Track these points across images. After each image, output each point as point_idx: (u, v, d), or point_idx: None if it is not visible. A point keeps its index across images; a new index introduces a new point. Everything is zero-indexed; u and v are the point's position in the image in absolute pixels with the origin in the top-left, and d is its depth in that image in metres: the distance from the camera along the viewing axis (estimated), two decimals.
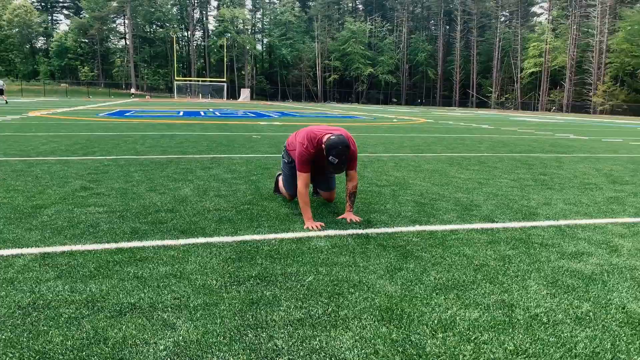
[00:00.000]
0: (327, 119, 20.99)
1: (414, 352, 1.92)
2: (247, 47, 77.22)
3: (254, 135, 11.51)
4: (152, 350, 1.91)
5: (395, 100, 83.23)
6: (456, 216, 4.07)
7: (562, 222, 3.95)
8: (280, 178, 4.53)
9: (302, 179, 3.73)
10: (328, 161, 3.57)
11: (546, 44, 67.03)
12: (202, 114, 21.93)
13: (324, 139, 3.68)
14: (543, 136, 14.11)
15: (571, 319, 2.24)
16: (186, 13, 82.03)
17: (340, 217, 3.87)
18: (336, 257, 3.00)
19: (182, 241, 3.25)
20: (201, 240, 3.28)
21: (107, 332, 2.04)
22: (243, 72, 79.81)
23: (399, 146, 9.74)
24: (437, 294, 2.48)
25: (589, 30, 63.05)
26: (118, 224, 3.62)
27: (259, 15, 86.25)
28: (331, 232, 3.50)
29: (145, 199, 4.42)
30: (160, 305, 2.29)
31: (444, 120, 23.46)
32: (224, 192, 4.80)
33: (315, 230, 3.51)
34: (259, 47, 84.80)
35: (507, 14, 79.31)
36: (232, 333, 2.05)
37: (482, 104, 75.97)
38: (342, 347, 1.96)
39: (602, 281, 2.71)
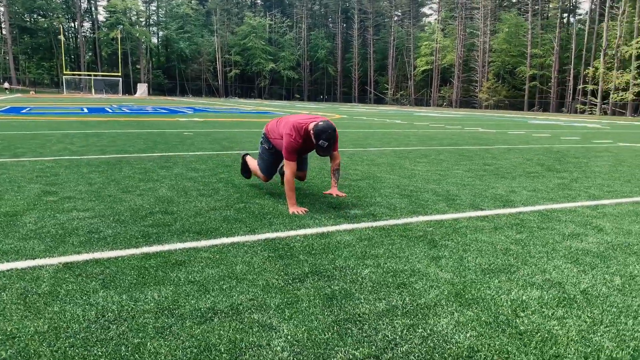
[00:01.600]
0: (242, 115, 20.74)
1: (513, 332, 2.07)
2: (142, 40, 73.60)
3: (185, 132, 11.11)
4: (270, 352, 1.87)
5: (298, 96, 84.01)
6: (446, 206, 4.32)
7: (539, 208, 4.35)
8: (250, 160, 4.76)
9: (290, 167, 3.97)
10: (318, 145, 3.87)
11: (436, 44, 71.36)
12: (110, 110, 20.64)
13: (310, 127, 3.96)
14: (457, 130, 15.12)
15: (615, 290, 2.52)
16: (72, 2, 76.17)
17: (326, 192, 4.16)
18: (371, 249, 3.08)
19: (205, 242, 3.13)
20: (226, 240, 3.18)
21: (209, 338, 1.96)
22: (138, 66, 75.96)
23: (339, 141, 9.94)
24: (489, 278, 2.65)
25: (474, 31, 68.15)
26: (120, 228, 3.39)
27: (153, 7, 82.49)
28: (348, 227, 3.56)
29: (127, 202, 4.16)
30: (242, 308, 2.23)
31: (357, 116, 24.17)
32: (205, 192, 4.65)
33: (300, 215, 3.83)
34: (154, 40, 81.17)
35: (400, 13, 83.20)
36: (336, 328, 2.06)
37: (380, 100, 79.20)
38: (447, 331, 2.05)
39: (614, 257, 3.05)
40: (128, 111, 20.07)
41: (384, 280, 2.58)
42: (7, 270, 2.60)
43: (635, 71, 48.44)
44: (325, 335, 2.00)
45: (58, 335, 1.95)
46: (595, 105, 52.57)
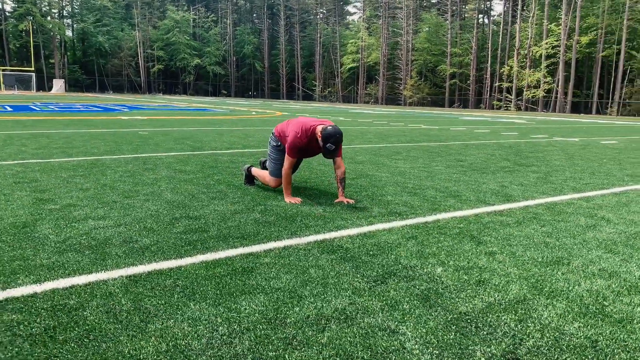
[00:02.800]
0: (181, 112, 20.10)
1: (613, 320, 2.22)
2: (56, 33, 69.03)
3: (140, 131, 10.62)
4: (412, 355, 1.88)
5: (225, 92, 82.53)
6: (457, 202, 4.48)
7: (540, 201, 4.62)
8: (256, 170, 4.84)
9: (289, 162, 4.25)
10: (325, 148, 4.11)
11: (362, 42, 72.89)
12: (37, 108, 19.22)
13: (318, 130, 4.16)
14: (403, 127, 15.58)
15: None
16: None
17: (336, 201, 4.33)
18: (424, 247, 3.15)
19: (257, 247, 3.06)
20: (276, 244, 3.12)
21: (343, 345, 1.93)
22: (52, 61, 71.12)
23: None
24: (552, 270, 2.81)
25: (397, 30, 70.30)
26: (155, 236, 3.23)
27: None
28: (384, 226, 3.61)
29: (139, 208, 3.95)
30: (349, 312, 2.21)
31: (299, 113, 24.19)
32: (214, 195, 4.51)
33: (295, 204, 4.15)
34: (69, 33, 76.38)
35: (325, 11, 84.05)
36: (453, 327, 2.10)
37: (308, 97, 79.71)
38: (555, 324, 2.16)
39: None
40: (57, 109, 18.81)
41: (460, 278, 2.66)
42: (70, 287, 2.41)
43: (545, 70, 52.24)
44: (449, 335, 2.04)
45: (186, 354, 1.85)
46: (510, 101, 56.10)
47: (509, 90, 57.29)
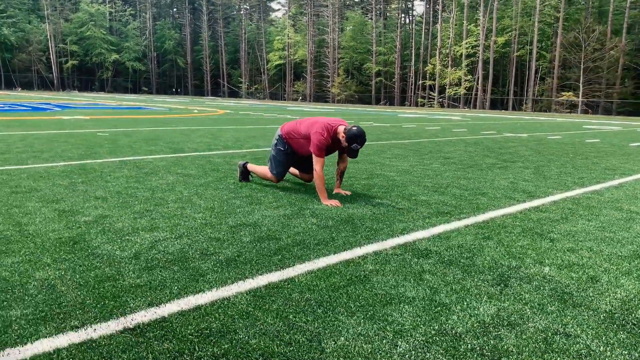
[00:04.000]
0: (117, 110, 19.02)
1: None
2: None
3: (98, 133, 9.92)
4: (611, 354, 1.90)
5: (145, 89, 79.21)
6: (488, 200, 4.58)
7: (560, 196, 4.83)
8: (253, 166, 4.96)
9: (320, 163, 4.27)
10: (350, 148, 4.24)
11: (288, 39, 72.83)
12: None
13: (340, 130, 4.30)
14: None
15: None
16: None
17: (334, 192, 4.58)
18: (508, 247, 3.18)
19: (349, 254, 2.94)
20: (366, 250, 3.03)
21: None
22: None
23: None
24: (629, 262, 2.94)
25: (323, 28, 70.94)
26: (232, 247, 3.02)
27: None
28: (448, 227, 3.61)
29: (180, 217, 3.67)
30: (511, 318, 2.18)
31: (243, 111, 23.72)
32: (251, 200, 4.29)
33: (334, 207, 4.09)
34: None
35: (249, 7, 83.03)
36: (620, 326, 2.14)
37: (234, 94, 78.48)
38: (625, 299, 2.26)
39: None
40: None
41: (571, 276, 2.71)
42: (197, 307, 2.18)
43: (466, 68, 54.99)
44: (621, 334, 2.08)
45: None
46: (434, 98, 58.52)
47: (432, 88, 59.73)
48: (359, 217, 3.80)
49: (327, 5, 68.95)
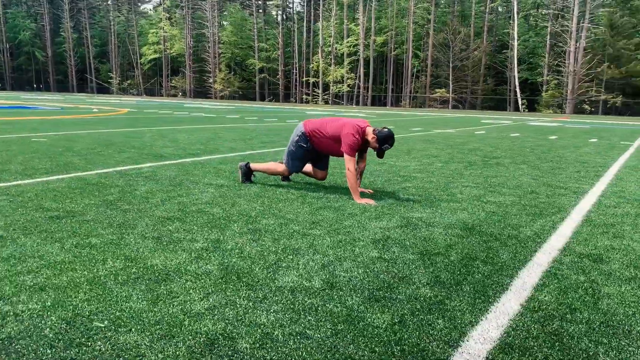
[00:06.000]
0: (3, 110, 16.60)
1: None
2: None
3: (32, 139, 8.51)
4: None
5: None
6: (549, 198, 4.76)
7: (598, 189, 5.19)
8: (257, 164, 4.95)
9: (353, 162, 4.38)
10: (381, 149, 4.43)
11: (164, 32, 69.38)
12: None
13: (369, 131, 4.46)
14: (284, 124, 15.49)
15: None
16: None
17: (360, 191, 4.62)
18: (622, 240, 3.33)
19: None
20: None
21: None
22: None
23: (254, 140, 9.19)
24: None
25: (202, 22, 68.71)
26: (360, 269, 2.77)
27: None
28: (563, 229, 3.68)
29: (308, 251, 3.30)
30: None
31: (148, 109, 22.03)
32: (336, 215, 3.98)
33: (369, 206, 4.12)
34: None
35: None
36: None
37: (104, 90, 72.90)
38: None
39: None
40: None
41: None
42: None
43: (348, 66, 57.03)
44: None
45: None
46: (319, 95, 59.80)
47: (316, 85, 60.96)
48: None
49: None
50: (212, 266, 2.61)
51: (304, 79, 62.26)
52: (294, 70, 64.50)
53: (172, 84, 70.59)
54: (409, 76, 54.39)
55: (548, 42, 48.08)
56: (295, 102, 62.91)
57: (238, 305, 2.14)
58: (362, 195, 4.52)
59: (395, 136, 4.43)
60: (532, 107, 49.39)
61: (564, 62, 44.88)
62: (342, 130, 4.45)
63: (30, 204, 3.76)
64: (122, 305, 2.10)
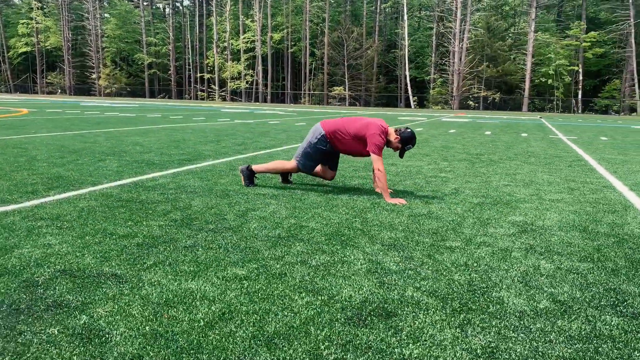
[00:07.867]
0: None
1: None
2: None
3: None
4: None
5: None
6: (590, 197, 5.00)
7: (624, 186, 5.56)
8: (260, 166, 4.81)
9: (382, 162, 4.43)
10: (404, 149, 4.60)
11: (37, 23, 63.01)
12: None
13: (392, 131, 4.57)
14: (254, 122, 14.80)
15: None
16: None
17: (376, 190, 4.66)
18: None
19: None
20: None
21: None
22: None
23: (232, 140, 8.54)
24: None
25: (81, 13, 63.42)
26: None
27: None
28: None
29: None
30: None
31: (49, 109, 19.69)
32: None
33: (403, 205, 4.16)
34: None
35: None
36: None
37: None
38: None
39: None
40: None
41: None
42: None
43: (245, 63, 56.06)
44: None
45: None
46: (215, 92, 58.11)
47: (212, 81, 59.13)
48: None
49: None
50: None
51: (199, 75, 60.17)
52: (187, 66, 62.07)
53: (49, 80, 64.41)
54: (307, 73, 54.91)
55: (434, 42, 51.36)
56: (190, 99, 60.59)
57: None
58: (391, 195, 4.55)
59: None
60: (422, 103, 52.51)
61: (450, 62, 48.20)
62: (367, 130, 4.48)
63: None
64: None
